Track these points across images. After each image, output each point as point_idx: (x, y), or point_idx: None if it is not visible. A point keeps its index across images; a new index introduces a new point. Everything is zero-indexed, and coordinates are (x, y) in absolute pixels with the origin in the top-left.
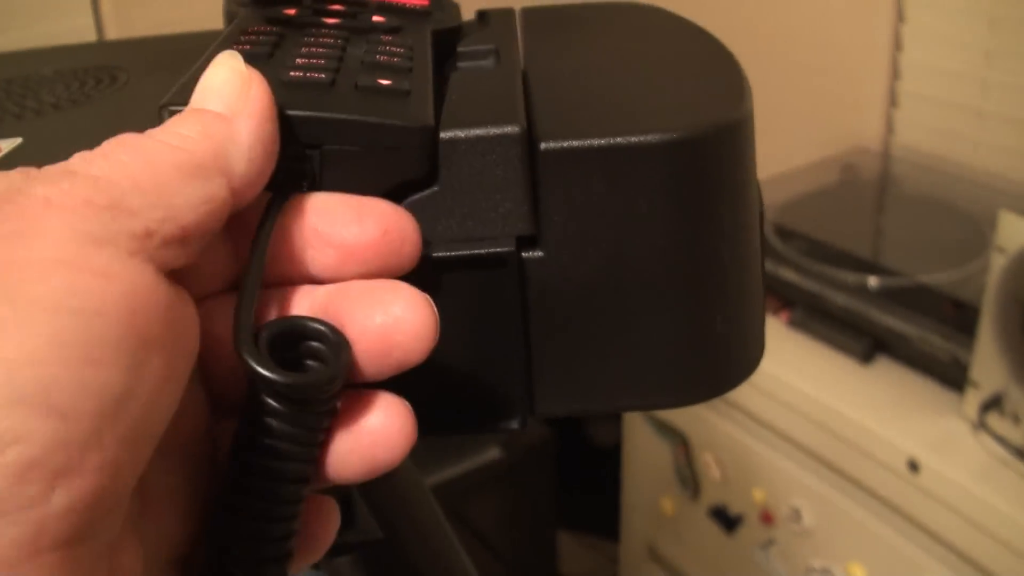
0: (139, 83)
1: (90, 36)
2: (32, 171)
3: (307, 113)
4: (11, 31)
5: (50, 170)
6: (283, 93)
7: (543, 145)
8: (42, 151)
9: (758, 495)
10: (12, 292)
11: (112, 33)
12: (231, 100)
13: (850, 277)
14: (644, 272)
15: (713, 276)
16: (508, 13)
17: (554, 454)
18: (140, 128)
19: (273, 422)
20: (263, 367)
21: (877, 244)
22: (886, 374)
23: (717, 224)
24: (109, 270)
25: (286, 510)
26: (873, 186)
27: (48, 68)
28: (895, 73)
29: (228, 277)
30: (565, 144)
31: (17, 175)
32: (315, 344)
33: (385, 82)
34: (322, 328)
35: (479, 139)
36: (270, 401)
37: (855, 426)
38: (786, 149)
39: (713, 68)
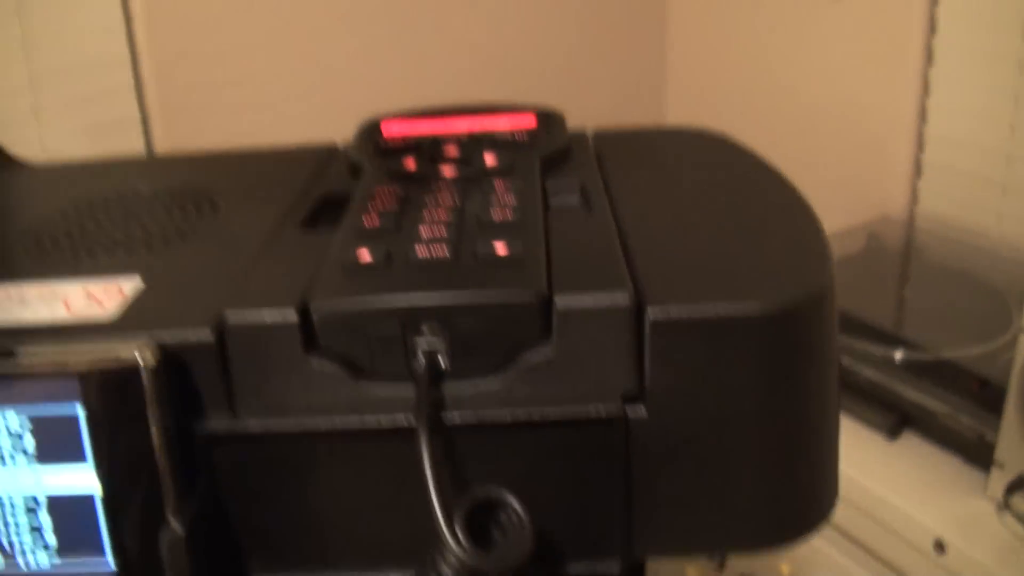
0: (237, 213)
1: (125, 62)
2: None
3: (437, 304)
4: (43, 51)
5: None
6: (413, 277)
7: (651, 314)
8: (163, 297)
9: (785, 569)
10: None
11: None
12: None
13: (876, 350)
14: (738, 428)
15: (799, 430)
16: (582, 138)
17: None
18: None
19: None
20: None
21: (903, 316)
22: (913, 450)
23: (805, 385)
24: None
25: None
26: (898, 256)
27: (144, 186)
28: (920, 144)
29: None
30: (672, 314)
31: None
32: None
33: (502, 251)
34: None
35: (591, 308)
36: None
37: (882, 503)
38: None
39: (794, 221)
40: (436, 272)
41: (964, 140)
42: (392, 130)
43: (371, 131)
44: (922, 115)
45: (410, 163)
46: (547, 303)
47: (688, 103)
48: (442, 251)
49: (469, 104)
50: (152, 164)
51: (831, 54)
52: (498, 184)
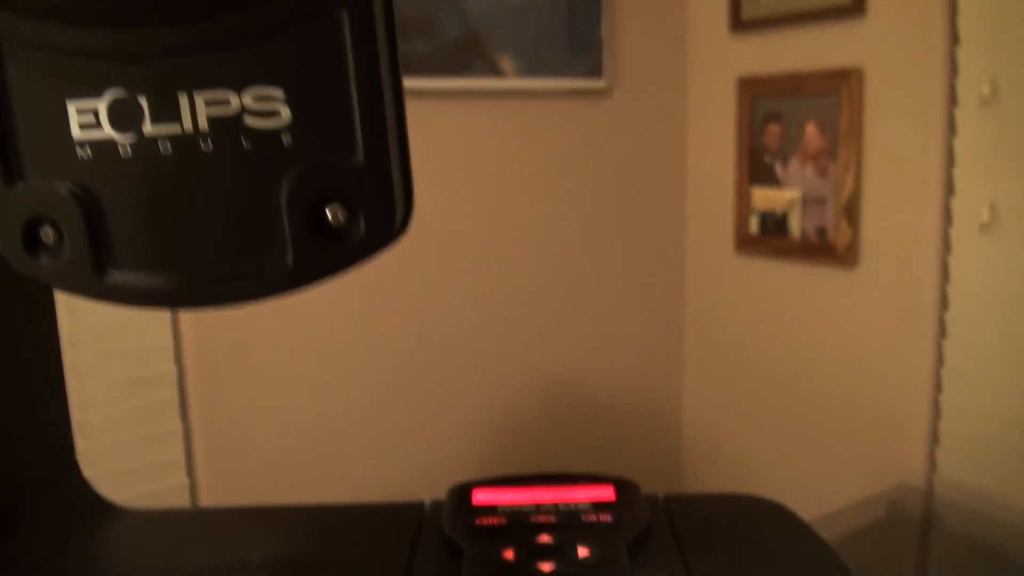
0: None
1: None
2: None
3: None
4: (88, 344)
5: None
6: None
7: None
8: None
9: None
10: None
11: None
12: None
13: None
14: None
15: None
16: (655, 506)
17: None
18: None
19: None
20: None
21: None
22: None
23: None
24: None
25: None
26: (918, 524)
27: (255, 554)
28: (937, 412)
29: None
30: None
31: None
32: None
33: None
34: None
35: None
36: None
37: None
38: (835, 485)
39: None
40: None
41: (980, 410)
42: (481, 498)
43: (462, 500)
44: (937, 384)
45: (509, 554)
46: None
47: (707, 367)
48: None
49: (551, 474)
50: (244, 518)
51: (848, 324)
52: None
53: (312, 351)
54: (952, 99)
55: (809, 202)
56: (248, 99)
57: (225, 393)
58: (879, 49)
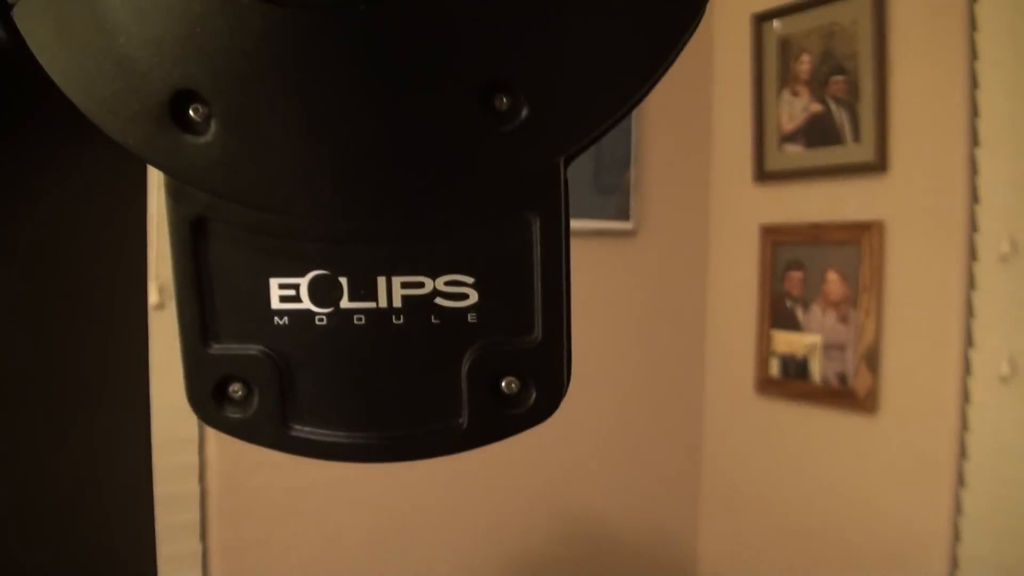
0: None
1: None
2: None
3: None
4: None
5: None
6: None
7: None
8: None
9: None
10: None
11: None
12: None
13: None
14: None
15: None
16: None
17: None
18: None
19: None
20: None
21: None
22: None
23: None
24: None
25: None
26: None
27: None
28: (955, 564)
29: None
30: None
31: None
32: None
33: None
34: None
35: None
36: None
37: None
38: None
39: None
40: None
41: (998, 562)
42: None
43: None
44: (956, 534)
45: None
46: None
47: (723, 509)
48: None
49: None
50: None
51: (866, 470)
52: None
53: (335, 478)
54: (972, 254)
55: (830, 348)
56: (440, 283)
57: (246, 515)
58: (900, 205)
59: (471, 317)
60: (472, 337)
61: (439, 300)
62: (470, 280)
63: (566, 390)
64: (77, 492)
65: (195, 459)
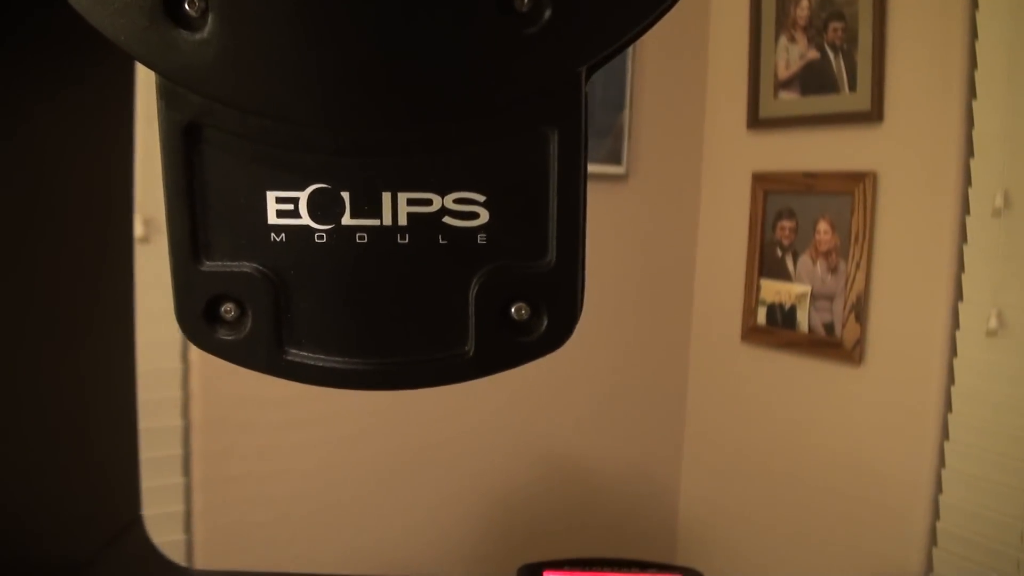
0: None
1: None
2: None
3: None
4: None
5: None
6: None
7: None
8: None
9: None
10: None
11: (197, 401)
12: None
13: None
14: None
15: None
16: None
17: None
18: None
19: None
20: None
21: None
22: None
23: None
24: None
25: None
26: None
27: None
28: (936, 513)
29: None
30: None
31: None
32: None
33: None
34: None
35: None
36: None
37: None
38: None
39: None
40: None
41: (979, 512)
42: None
43: None
44: (938, 485)
45: None
46: None
47: (706, 454)
48: None
49: (622, 560)
50: None
51: (850, 420)
52: None
53: (319, 417)
54: (965, 208)
55: (818, 298)
56: (449, 201)
57: (229, 450)
58: (894, 155)
59: (481, 238)
60: (481, 259)
61: (447, 219)
62: (481, 198)
63: (579, 317)
64: (64, 423)
65: (179, 393)
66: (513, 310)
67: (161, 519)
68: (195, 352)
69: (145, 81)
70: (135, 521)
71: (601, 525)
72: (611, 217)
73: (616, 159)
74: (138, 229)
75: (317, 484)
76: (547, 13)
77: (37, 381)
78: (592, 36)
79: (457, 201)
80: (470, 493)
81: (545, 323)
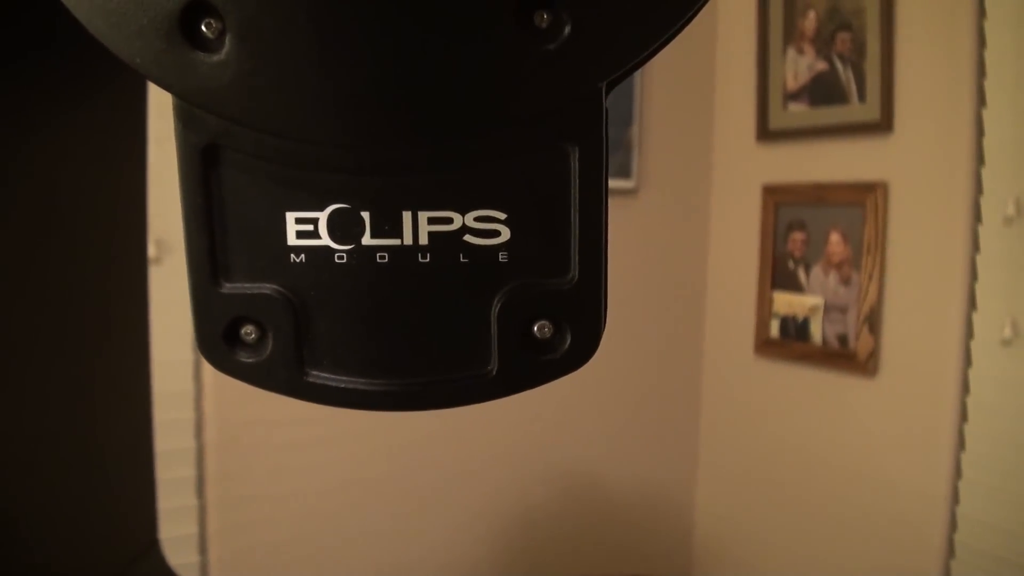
0: None
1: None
2: None
3: None
4: None
5: None
6: None
7: None
8: None
9: None
10: None
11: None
12: None
13: None
14: None
15: None
16: None
17: None
18: None
19: None
20: None
21: None
22: None
23: None
24: None
25: None
26: None
27: None
28: (953, 525)
29: None
30: None
31: None
32: None
33: None
34: None
35: None
36: None
37: None
38: None
39: None
40: None
41: (997, 524)
42: None
43: None
44: (955, 496)
45: None
46: None
47: (721, 468)
48: None
49: None
50: None
51: (866, 432)
52: None
53: (333, 437)
54: (976, 216)
55: (831, 309)
56: (470, 219)
57: (243, 470)
58: (905, 165)
59: (502, 256)
60: (503, 278)
61: (468, 237)
62: (502, 216)
63: (602, 334)
64: (80, 448)
65: (191, 415)
66: (536, 328)
67: (176, 541)
68: (208, 373)
69: (156, 102)
70: (152, 544)
71: (615, 540)
72: (621, 231)
73: (626, 173)
74: (150, 250)
75: (332, 504)
76: (567, 29)
77: (52, 403)
78: (612, 52)
79: (478, 219)
80: (487, 511)
81: (568, 341)
